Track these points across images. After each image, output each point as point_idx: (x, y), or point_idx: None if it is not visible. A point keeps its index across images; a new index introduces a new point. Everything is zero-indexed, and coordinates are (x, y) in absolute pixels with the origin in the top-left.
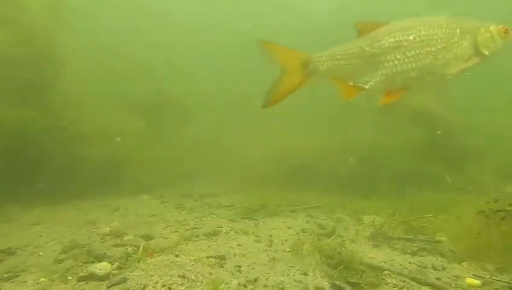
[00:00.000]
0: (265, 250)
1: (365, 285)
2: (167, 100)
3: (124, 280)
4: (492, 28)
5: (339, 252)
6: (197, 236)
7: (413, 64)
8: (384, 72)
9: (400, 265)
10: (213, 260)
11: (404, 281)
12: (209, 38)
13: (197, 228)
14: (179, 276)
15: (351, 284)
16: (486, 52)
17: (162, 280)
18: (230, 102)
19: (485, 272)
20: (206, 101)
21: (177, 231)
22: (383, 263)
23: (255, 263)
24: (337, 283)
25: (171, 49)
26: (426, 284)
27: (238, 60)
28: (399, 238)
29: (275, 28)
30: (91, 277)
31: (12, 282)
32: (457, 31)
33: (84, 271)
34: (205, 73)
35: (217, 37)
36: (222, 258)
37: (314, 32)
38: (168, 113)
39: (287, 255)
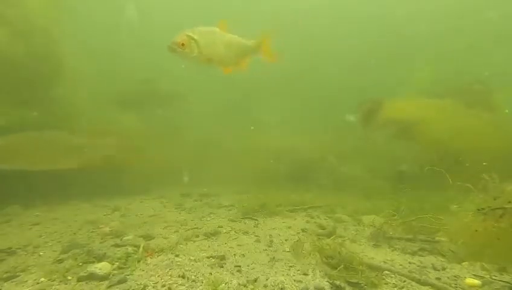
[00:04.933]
0: (265, 250)
1: (365, 285)
2: (167, 98)
3: (124, 280)
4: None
5: (339, 252)
6: (197, 236)
7: None
8: None
9: (400, 265)
10: (213, 260)
11: (404, 281)
12: None
13: (197, 228)
14: (179, 276)
15: (351, 284)
16: None
17: (162, 280)
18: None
19: (485, 272)
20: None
21: (177, 231)
22: (383, 263)
23: (255, 263)
24: (337, 283)
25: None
26: (426, 284)
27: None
28: (399, 238)
29: None
30: (91, 277)
31: (12, 282)
32: None
33: (84, 271)
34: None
35: None
36: (222, 258)
37: None
38: (167, 111)
39: (287, 255)
